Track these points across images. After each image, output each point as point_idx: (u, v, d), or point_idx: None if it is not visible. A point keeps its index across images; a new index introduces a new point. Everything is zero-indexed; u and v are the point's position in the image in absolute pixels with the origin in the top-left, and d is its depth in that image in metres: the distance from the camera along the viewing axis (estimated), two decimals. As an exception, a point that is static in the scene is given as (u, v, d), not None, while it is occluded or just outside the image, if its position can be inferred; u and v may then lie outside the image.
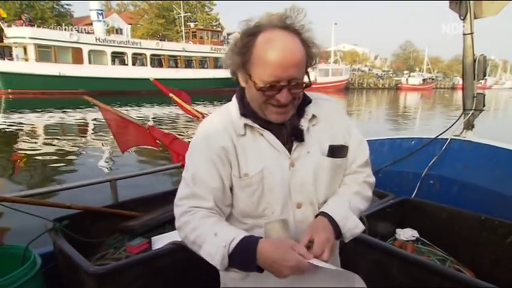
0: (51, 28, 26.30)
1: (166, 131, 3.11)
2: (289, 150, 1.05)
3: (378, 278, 1.70)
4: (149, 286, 1.61)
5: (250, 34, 0.97)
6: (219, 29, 41.14)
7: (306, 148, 1.06)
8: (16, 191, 1.99)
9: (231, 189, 1.06)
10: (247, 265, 0.90)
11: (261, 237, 0.93)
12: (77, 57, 26.22)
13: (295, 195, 1.05)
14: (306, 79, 1.00)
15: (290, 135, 1.05)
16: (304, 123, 1.07)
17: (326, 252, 0.94)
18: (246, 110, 1.06)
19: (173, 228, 2.14)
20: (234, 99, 1.10)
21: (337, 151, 1.09)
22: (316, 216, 1.05)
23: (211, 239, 0.94)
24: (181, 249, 1.67)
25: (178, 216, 1.03)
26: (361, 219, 2.07)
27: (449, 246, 2.12)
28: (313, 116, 1.09)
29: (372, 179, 1.18)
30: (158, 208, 2.28)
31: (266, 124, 1.05)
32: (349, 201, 1.08)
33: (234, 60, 1.00)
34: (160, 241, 1.93)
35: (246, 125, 1.05)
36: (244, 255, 0.89)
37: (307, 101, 1.09)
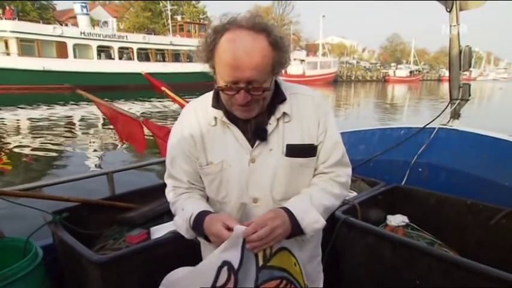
0: (34, 22, 25.58)
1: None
2: (254, 146, 1.09)
3: (372, 260, 1.78)
4: (150, 273, 1.65)
5: (217, 31, 0.99)
6: (206, 22, 40.69)
7: (270, 146, 1.09)
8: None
9: None
10: (200, 235, 1.09)
11: (212, 213, 1.09)
12: (61, 51, 25.55)
13: (252, 190, 1.10)
14: (268, 83, 1.00)
15: (253, 133, 1.08)
16: (272, 121, 1.09)
17: (265, 229, 0.97)
18: (218, 102, 1.11)
19: (171, 219, 2.17)
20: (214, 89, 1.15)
21: (298, 151, 1.09)
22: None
23: (180, 213, 1.14)
24: (181, 237, 1.70)
25: (167, 193, 1.24)
26: (354, 206, 2.16)
27: (438, 230, 2.21)
28: (284, 114, 1.09)
29: (343, 179, 1.15)
30: (155, 200, 2.30)
31: (234, 117, 1.08)
32: (311, 196, 1.09)
33: (202, 55, 1.03)
34: (159, 231, 1.96)
35: (215, 117, 1.10)
36: (197, 228, 1.08)
37: (280, 98, 1.09)
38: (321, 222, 1.07)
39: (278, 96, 1.09)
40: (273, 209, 1.06)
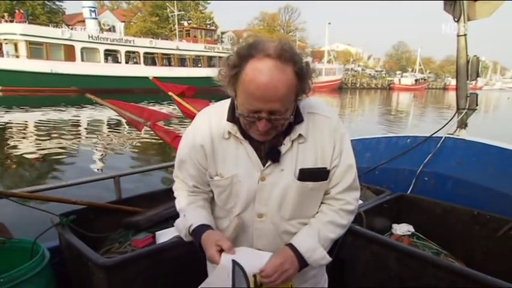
0: (43, 25, 26.00)
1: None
2: (265, 165, 1.09)
3: (376, 269, 1.77)
4: (155, 277, 1.65)
5: (242, 57, 0.96)
6: (213, 27, 41.06)
7: (282, 166, 1.08)
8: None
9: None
10: (197, 245, 1.14)
11: (211, 229, 1.13)
12: (69, 54, 25.93)
13: (259, 206, 1.12)
14: (289, 112, 1.00)
15: (266, 154, 1.08)
16: (287, 142, 1.07)
17: (276, 275, 1.02)
18: (233, 117, 1.09)
19: (176, 223, 2.19)
20: (230, 101, 1.12)
21: (310, 175, 1.09)
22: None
23: (182, 218, 1.21)
24: (186, 242, 1.71)
25: (173, 189, 1.29)
26: (359, 214, 2.15)
27: (443, 240, 2.20)
28: (300, 135, 1.08)
29: (351, 207, 1.17)
30: (161, 204, 2.31)
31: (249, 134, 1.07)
32: (319, 232, 1.11)
33: (225, 80, 1.01)
34: (164, 235, 1.97)
35: (229, 132, 1.10)
36: (195, 239, 1.14)
37: (298, 119, 1.07)
38: (327, 259, 1.12)
39: (296, 118, 1.06)
40: (280, 250, 1.09)
